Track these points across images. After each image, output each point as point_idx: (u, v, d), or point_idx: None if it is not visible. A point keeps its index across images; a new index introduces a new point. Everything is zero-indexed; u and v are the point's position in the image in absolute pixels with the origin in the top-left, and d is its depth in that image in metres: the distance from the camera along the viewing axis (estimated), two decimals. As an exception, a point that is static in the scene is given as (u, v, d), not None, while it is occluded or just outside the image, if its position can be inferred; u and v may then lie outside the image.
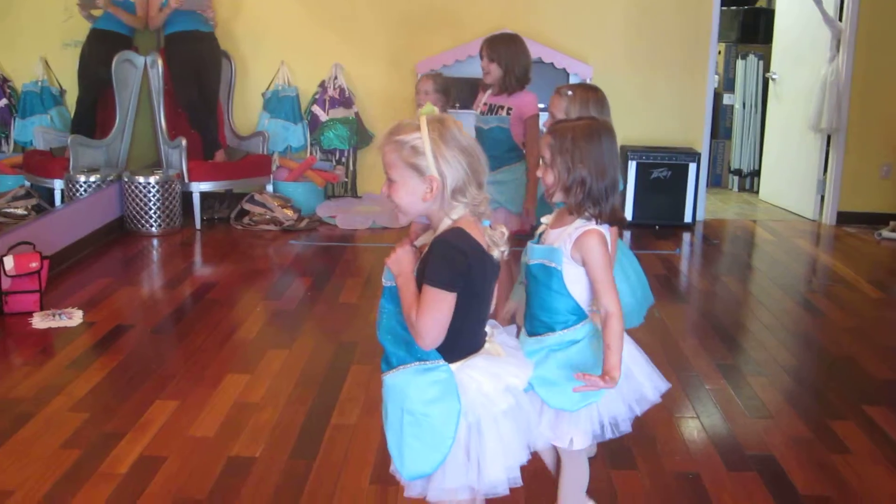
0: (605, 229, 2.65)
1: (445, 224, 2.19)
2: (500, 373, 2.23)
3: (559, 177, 2.62)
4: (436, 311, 2.10)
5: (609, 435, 2.72)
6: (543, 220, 2.79)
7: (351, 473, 3.40)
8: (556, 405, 2.63)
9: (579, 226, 2.62)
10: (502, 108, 4.60)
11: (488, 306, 2.29)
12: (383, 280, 2.24)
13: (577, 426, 2.67)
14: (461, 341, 2.20)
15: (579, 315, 2.66)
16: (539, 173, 2.70)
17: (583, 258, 2.59)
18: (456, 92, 4.79)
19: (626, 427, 2.73)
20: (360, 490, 3.28)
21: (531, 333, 2.71)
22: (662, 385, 2.80)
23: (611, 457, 3.56)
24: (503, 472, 2.21)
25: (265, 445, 3.62)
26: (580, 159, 2.59)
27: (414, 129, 2.16)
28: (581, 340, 2.66)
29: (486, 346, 2.28)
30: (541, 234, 2.74)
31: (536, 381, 2.60)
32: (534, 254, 2.68)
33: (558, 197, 2.67)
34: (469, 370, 2.20)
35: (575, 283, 2.63)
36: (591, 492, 3.10)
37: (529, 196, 4.48)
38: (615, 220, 2.69)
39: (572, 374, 2.53)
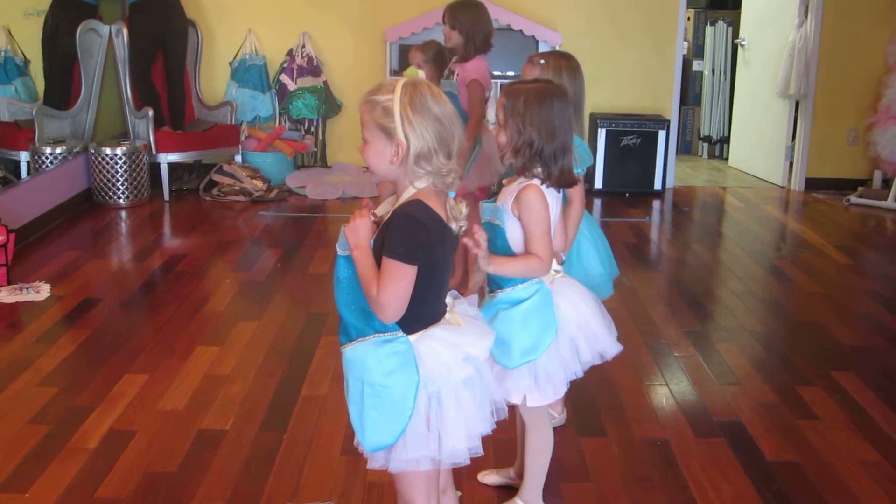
0: (551, 193, 2.68)
1: (409, 193, 2.18)
2: (458, 342, 2.23)
3: (510, 138, 2.66)
4: (396, 284, 2.10)
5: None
6: (505, 181, 2.82)
7: (321, 445, 3.41)
8: (497, 361, 2.65)
9: (521, 182, 2.66)
10: (454, 73, 4.61)
11: (447, 277, 2.29)
12: (338, 248, 2.22)
13: (517, 383, 2.70)
14: (421, 313, 2.20)
15: None
16: (493, 132, 2.73)
17: (519, 212, 2.63)
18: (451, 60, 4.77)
19: (562, 388, 2.80)
20: (331, 461, 3.29)
21: (490, 291, 2.77)
22: (611, 350, 2.83)
23: (580, 424, 3.58)
24: (464, 442, 2.21)
25: (235, 418, 3.61)
26: (530, 122, 2.63)
27: (389, 91, 2.15)
28: (528, 299, 2.68)
29: (447, 316, 2.29)
30: (496, 195, 2.79)
31: None
32: (484, 212, 2.73)
33: (509, 157, 2.72)
34: (427, 340, 2.20)
35: (518, 241, 2.66)
36: (559, 460, 3.13)
37: (459, 162, 4.46)
38: (564, 182, 2.71)
39: (515, 332, 2.61)
